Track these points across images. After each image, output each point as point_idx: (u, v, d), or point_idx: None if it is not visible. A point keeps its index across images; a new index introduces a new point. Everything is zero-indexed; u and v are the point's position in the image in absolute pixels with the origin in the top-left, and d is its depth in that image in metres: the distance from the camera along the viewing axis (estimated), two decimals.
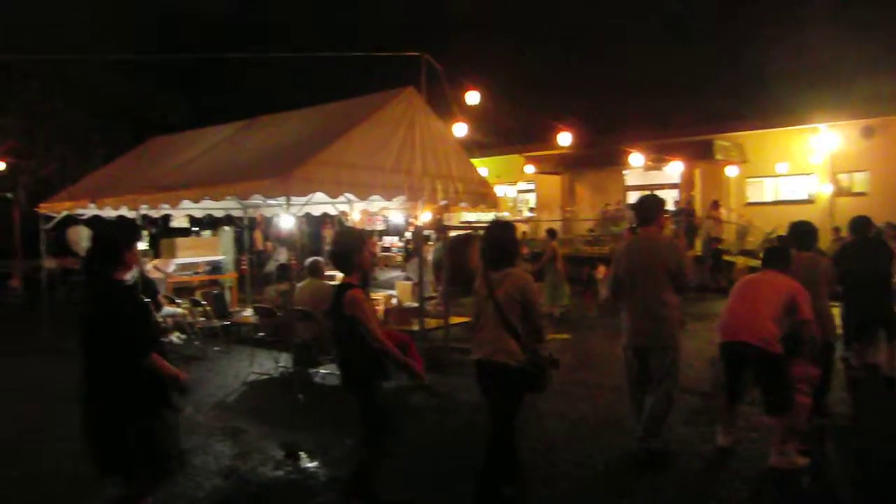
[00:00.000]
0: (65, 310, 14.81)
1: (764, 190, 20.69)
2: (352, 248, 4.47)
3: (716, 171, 20.29)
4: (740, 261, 16.44)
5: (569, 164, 21.83)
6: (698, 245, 17.99)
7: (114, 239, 3.83)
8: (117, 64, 18.61)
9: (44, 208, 11.89)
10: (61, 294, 16.99)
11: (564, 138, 12.04)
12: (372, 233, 18.83)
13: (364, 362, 4.36)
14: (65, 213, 11.72)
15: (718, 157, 19.48)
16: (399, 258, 20.42)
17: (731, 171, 19.85)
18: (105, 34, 19.43)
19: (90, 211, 11.21)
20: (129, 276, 10.92)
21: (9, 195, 19.74)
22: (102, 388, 3.65)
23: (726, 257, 16.92)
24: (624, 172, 21.57)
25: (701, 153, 19.36)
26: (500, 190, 18.31)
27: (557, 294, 12.72)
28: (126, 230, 3.95)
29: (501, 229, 4.67)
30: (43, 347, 10.97)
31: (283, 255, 15.91)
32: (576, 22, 23.75)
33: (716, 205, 18.52)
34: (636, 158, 13.57)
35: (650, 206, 5.42)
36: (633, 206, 5.36)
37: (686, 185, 20.92)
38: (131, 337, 3.60)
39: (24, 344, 11.41)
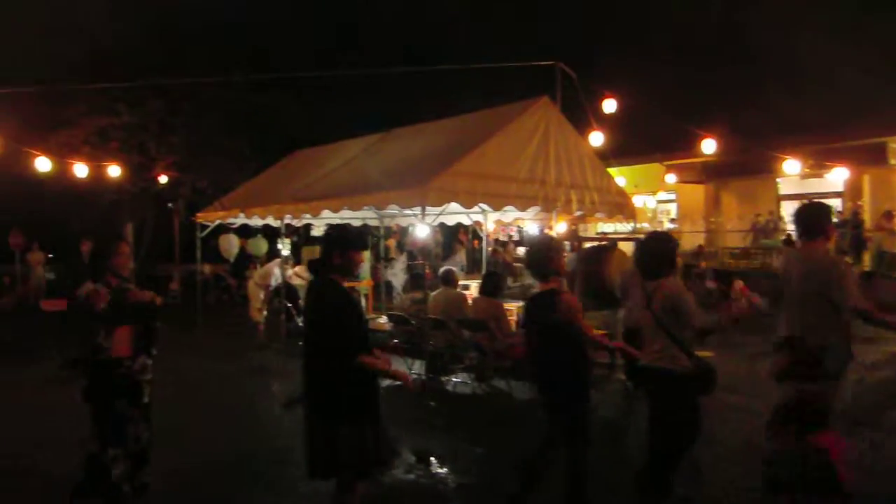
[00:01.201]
0: (216, 311, 15.95)
1: None
2: (550, 254, 4.47)
3: (889, 178, 18.50)
4: None
5: (714, 173, 20.82)
6: (867, 260, 16.55)
7: (328, 244, 3.98)
8: (267, 83, 19.70)
9: (200, 218, 12.77)
10: (213, 297, 18.25)
11: (709, 146, 11.47)
12: (506, 243, 18.88)
13: (579, 372, 4.37)
14: (218, 222, 12.53)
15: (893, 161, 17.69)
16: None
17: None
18: (252, 55, 20.64)
19: (240, 220, 11.92)
20: (273, 280, 11.47)
21: (170, 205, 21.45)
22: (318, 389, 3.84)
23: None
24: (777, 181, 20.31)
25: (871, 157, 17.58)
26: (638, 200, 17.75)
27: None
28: (344, 237, 4.07)
29: (658, 240, 4.58)
30: (195, 345, 11.73)
31: (399, 265, 16.15)
32: (720, 20, 22.62)
33: (889, 215, 16.88)
34: (791, 165, 12.67)
35: (815, 215, 4.78)
36: (794, 217, 4.86)
37: (852, 193, 19.19)
38: (343, 338, 3.76)
39: (181, 342, 12.30)
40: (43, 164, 12.28)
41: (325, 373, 3.78)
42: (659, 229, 20.18)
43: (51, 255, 20.97)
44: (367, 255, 14.77)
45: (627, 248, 10.80)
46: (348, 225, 9.79)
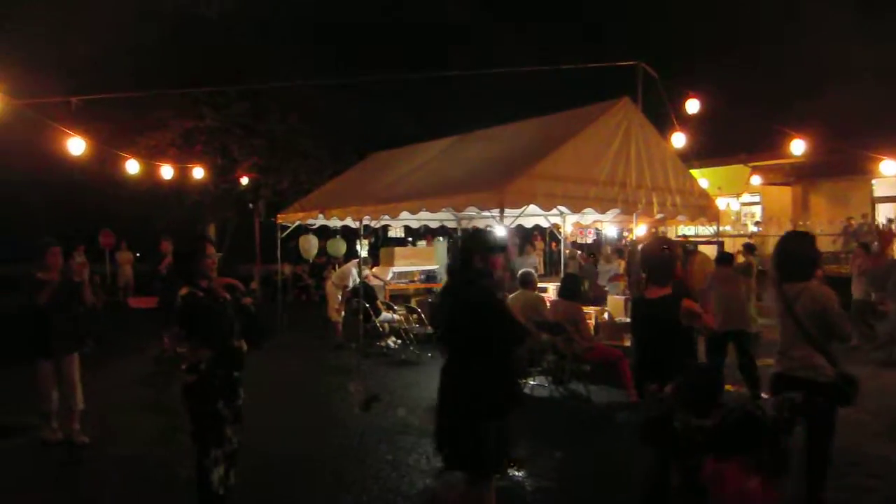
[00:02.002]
0: (295, 310, 16.29)
1: None
2: (672, 259, 4.39)
3: None
4: None
5: (802, 174, 19.96)
6: None
7: (470, 248, 4.08)
8: (344, 86, 20.07)
9: (280, 219, 13.07)
10: (292, 297, 18.65)
11: (797, 146, 11.02)
12: (583, 245, 18.63)
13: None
14: (297, 222, 12.79)
15: None
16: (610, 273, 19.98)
17: None
18: (330, 60, 21.04)
19: (319, 221, 12.13)
20: (351, 281, 11.59)
21: (250, 206, 22.07)
22: (469, 386, 3.90)
23: None
24: (872, 182, 19.36)
25: None
26: (721, 202, 17.22)
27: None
28: (485, 241, 4.16)
29: (797, 241, 4.43)
30: (274, 344, 11.96)
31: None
32: (808, 12, 21.69)
33: None
34: (889, 166, 12.02)
35: None
36: None
37: None
38: (486, 337, 3.83)
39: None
40: (132, 167, 12.77)
41: (482, 371, 3.84)
42: (741, 232, 19.59)
43: (138, 255, 21.85)
44: (442, 257, 14.85)
45: (709, 251, 10.53)
46: (485, 229, 9.83)
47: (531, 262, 15.98)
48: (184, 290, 4.22)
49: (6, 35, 17.53)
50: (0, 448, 6.55)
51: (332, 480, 5.55)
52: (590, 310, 9.89)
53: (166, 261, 11.12)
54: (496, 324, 3.87)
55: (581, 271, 14.05)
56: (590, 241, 18.60)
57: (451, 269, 4.27)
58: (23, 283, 6.50)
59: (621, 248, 14.57)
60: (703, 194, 9.98)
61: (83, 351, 6.80)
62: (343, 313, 12.27)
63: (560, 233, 13.03)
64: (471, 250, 4.02)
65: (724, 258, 8.48)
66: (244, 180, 19.80)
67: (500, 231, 8.30)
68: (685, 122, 10.60)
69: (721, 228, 12.31)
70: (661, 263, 4.40)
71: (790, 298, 4.09)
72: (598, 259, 14.94)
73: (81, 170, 17.12)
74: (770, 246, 15.69)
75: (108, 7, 19.50)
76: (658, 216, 9.30)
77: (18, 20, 18.11)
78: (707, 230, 10.58)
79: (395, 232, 17.63)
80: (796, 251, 4.25)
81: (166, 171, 14.06)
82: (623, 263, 12.42)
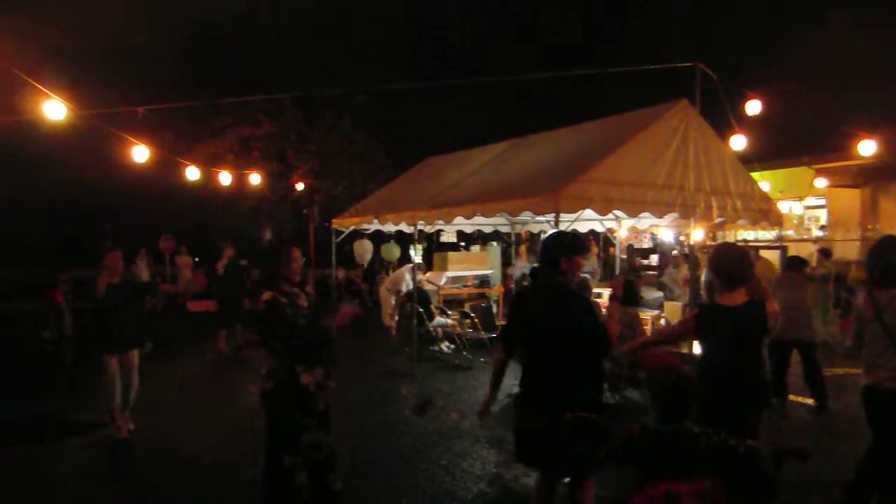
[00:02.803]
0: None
1: None
2: (747, 264, 4.27)
3: None
4: None
5: (871, 176, 19.20)
6: None
7: (557, 250, 4.07)
8: (398, 91, 20.18)
9: (335, 223, 13.20)
10: (346, 300, 18.81)
11: (867, 147, 10.61)
12: (638, 250, 18.32)
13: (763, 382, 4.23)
14: (352, 227, 12.90)
15: None
16: (665, 278, 19.57)
17: None
18: (381, 64, 21.17)
19: (374, 226, 12.20)
20: (404, 286, 11.63)
21: (304, 211, 22.37)
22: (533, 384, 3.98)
23: None
24: None
25: None
26: (783, 206, 16.73)
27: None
28: (570, 243, 4.13)
29: (891, 245, 4.26)
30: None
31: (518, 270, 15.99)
32: (878, 5, 20.90)
33: None
34: None
35: None
36: None
37: None
38: (593, 335, 3.87)
39: None
40: (192, 173, 13.08)
41: (580, 372, 3.89)
42: (805, 237, 19.02)
43: (196, 259, 22.35)
44: (496, 261, 14.80)
45: (770, 256, 10.24)
46: (567, 230, 9.78)
47: (590, 267, 15.72)
48: (267, 295, 4.22)
49: (73, 50, 18.22)
50: (73, 442, 6.81)
51: (386, 484, 5.57)
52: (646, 315, 9.72)
53: (222, 262, 11.40)
54: (592, 325, 3.89)
55: (636, 276, 13.81)
56: (646, 245, 18.31)
57: (534, 272, 4.26)
58: (89, 285, 6.84)
59: (687, 254, 14.27)
60: (765, 198, 9.69)
61: (143, 349, 7.08)
62: (397, 318, 12.32)
63: (615, 237, 12.85)
64: (558, 252, 4.02)
65: (795, 263, 8.21)
66: (299, 186, 20.08)
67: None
68: (745, 123, 10.32)
69: (783, 233, 11.95)
70: (737, 269, 4.19)
71: (881, 305, 3.94)
72: (667, 263, 14.65)
73: (144, 177, 17.63)
74: (837, 252, 15.18)
75: (166, 20, 20.15)
76: (717, 220, 9.06)
77: (84, 36, 18.79)
78: (768, 235, 10.26)
79: (448, 237, 17.60)
80: (891, 256, 4.10)
81: (224, 178, 14.38)
82: (685, 269, 12.14)
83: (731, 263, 4.20)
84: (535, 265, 4.36)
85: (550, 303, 3.97)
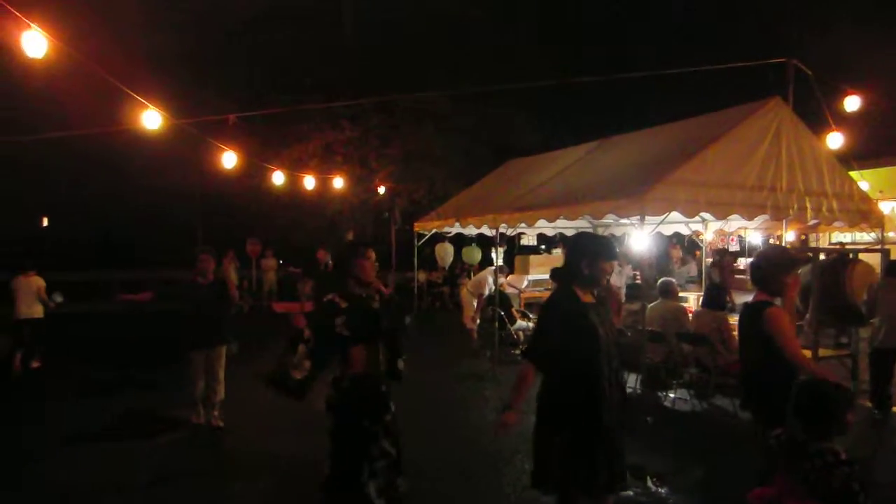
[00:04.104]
0: (430, 317, 16.56)
1: None
2: (785, 268, 4.21)
3: None
4: None
5: None
6: None
7: (576, 253, 3.84)
8: (479, 94, 20.17)
9: (416, 226, 13.32)
10: (427, 304, 18.97)
11: None
12: (725, 252, 17.76)
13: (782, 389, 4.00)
14: (433, 230, 13.00)
15: None
16: None
17: None
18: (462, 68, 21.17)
19: (455, 229, 12.26)
20: (486, 289, 11.63)
21: (385, 215, 22.64)
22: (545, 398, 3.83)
23: None
24: None
25: None
26: (884, 206, 15.90)
27: None
28: (594, 245, 3.86)
29: None
30: (409, 350, 12.22)
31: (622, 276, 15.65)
32: None
33: None
34: None
35: None
36: None
37: None
38: (567, 357, 3.68)
39: None
40: (278, 178, 13.46)
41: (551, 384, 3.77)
42: None
43: (281, 262, 22.93)
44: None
45: (871, 259, 9.73)
46: (597, 233, 9.67)
47: (685, 272, 15.29)
48: (329, 297, 4.02)
49: (167, 61, 19.08)
50: (160, 438, 7.07)
51: (468, 488, 5.59)
52: (734, 320, 9.43)
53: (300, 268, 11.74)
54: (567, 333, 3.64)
55: (722, 280, 13.42)
56: (733, 248, 17.75)
57: (552, 275, 3.95)
58: (182, 285, 7.34)
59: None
60: (864, 198, 9.24)
61: (229, 348, 7.38)
62: (478, 321, 12.34)
63: (701, 240, 12.51)
64: (578, 255, 3.75)
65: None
66: (381, 189, 20.37)
67: (640, 239, 8.07)
68: (843, 120, 9.87)
69: (885, 235, 11.35)
70: (769, 270, 4.22)
71: None
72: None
73: (232, 181, 18.27)
74: None
75: (253, 28, 20.82)
76: (812, 222, 8.68)
77: (179, 47, 19.64)
78: (867, 237, 9.74)
79: (528, 239, 17.54)
80: None
81: (308, 182, 14.73)
82: None
83: (758, 266, 4.30)
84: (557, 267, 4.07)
85: (562, 319, 3.71)
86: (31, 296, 10.43)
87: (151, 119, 8.25)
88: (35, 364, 10.72)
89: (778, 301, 4.22)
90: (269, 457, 6.41)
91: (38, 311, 10.51)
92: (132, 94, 7.95)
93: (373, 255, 4.21)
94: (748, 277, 15.20)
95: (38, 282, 10.55)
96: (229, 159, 10.93)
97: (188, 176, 24.32)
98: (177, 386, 8.03)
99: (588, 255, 3.72)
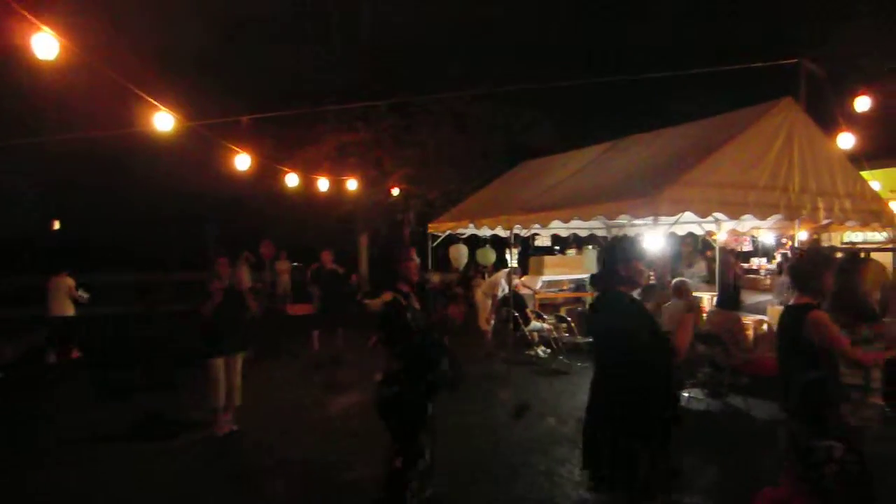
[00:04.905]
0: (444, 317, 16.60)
1: None
2: (821, 269, 4.26)
3: None
4: None
5: None
6: None
7: (612, 257, 4.07)
8: (495, 95, 20.17)
9: (430, 228, 13.41)
10: (440, 304, 19.01)
11: None
12: (731, 252, 17.71)
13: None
14: (447, 232, 13.07)
15: None
16: (768, 281, 18.86)
17: None
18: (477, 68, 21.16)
19: (469, 230, 12.34)
20: (500, 291, 11.64)
21: (399, 216, 22.66)
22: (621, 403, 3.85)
23: None
24: None
25: None
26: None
27: None
28: (627, 248, 4.13)
29: None
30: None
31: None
32: None
33: None
34: None
35: None
36: None
37: None
38: (651, 353, 3.78)
39: None
40: (291, 180, 13.56)
41: (634, 389, 3.77)
42: None
43: (295, 264, 23.03)
44: (592, 265, 14.66)
45: (883, 258, 9.77)
46: (626, 237, 9.71)
47: (696, 272, 15.30)
48: (388, 296, 4.23)
49: (182, 63, 19.26)
50: (177, 441, 7.23)
51: (485, 489, 5.67)
52: (748, 320, 9.49)
53: (314, 265, 11.91)
54: (646, 339, 3.76)
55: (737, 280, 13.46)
56: (746, 248, 17.72)
57: (593, 280, 4.24)
58: (200, 291, 7.34)
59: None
60: (876, 198, 9.27)
61: (246, 353, 7.48)
62: (493, 322, 12.41)
63: (714, 241, 12.55)
64: (614, 259, 3.99)
65: None
66: (395, 191, 20.40)
67: (653, 239, 8.14)
68: (854, 120, 9.91)
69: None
70: (804, 271, 4.27)
71: None
72: (781, 269, 14.17)
73: (245, 184, 18.37)
74: None
75: (265, 29, 20.97)
76: (824, 222, 8.73)
77: (191, 50, 19.82)
78: (879, 236, 9.77)
79: (542, 240, 17.54)
80: None
81: (322, 184, 14.82)
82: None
83: (798, 266, 4.38)
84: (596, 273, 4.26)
85: (607, 316, 3.94)
86: (63, 295, 11.56)
87: (163, 121, 8.30)
88: (74, 355, 11.78)
89: (821, 303, 4.25)
90: (284, 461, 6.52)
91: (70, 309, 11.70)
92: (145, 96, 8.00)
93: (415, 255, 4.51)
94: (760, 277, 15.25)
95: (69, 281, 11.74)
96: (243, 161, 11.01)
97: (202, 178, 24.45)
98: (193, 388, 8.15)
99: (623, 258, 3.96)
